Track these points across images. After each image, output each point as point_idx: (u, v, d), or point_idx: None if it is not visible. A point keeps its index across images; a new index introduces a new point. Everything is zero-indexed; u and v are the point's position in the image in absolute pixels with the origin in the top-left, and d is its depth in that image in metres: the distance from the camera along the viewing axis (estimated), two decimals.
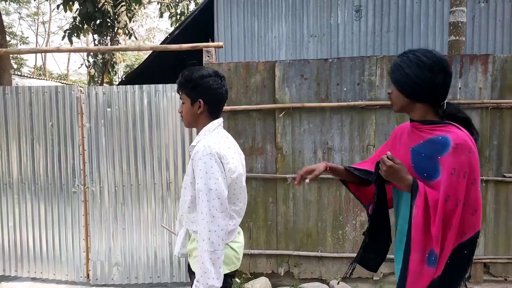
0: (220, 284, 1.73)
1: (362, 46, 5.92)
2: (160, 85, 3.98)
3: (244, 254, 3.92)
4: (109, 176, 4.10)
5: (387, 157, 1.62)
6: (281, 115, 3.80)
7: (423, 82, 1.57)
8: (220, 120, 1.92)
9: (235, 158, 1.86)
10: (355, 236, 3.83)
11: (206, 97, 1.85)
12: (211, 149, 1.74)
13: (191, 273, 1.92)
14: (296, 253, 3.87)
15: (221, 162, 1.75)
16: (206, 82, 1.83)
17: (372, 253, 1.92)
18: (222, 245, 1.73)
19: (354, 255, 3.81)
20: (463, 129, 1.58)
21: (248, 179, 3.88)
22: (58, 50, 4.52)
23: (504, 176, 3.66)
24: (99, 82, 13.70)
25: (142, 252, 4.07)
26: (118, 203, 4.12)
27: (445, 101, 1.64)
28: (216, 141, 1.79)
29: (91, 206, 4.11)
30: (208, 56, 3.91)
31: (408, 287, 1.57)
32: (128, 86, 4.07)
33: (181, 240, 1.99)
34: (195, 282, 1.74)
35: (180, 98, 1.90)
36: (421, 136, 1.64)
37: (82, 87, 4.24)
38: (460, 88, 3.67)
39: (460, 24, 4.18)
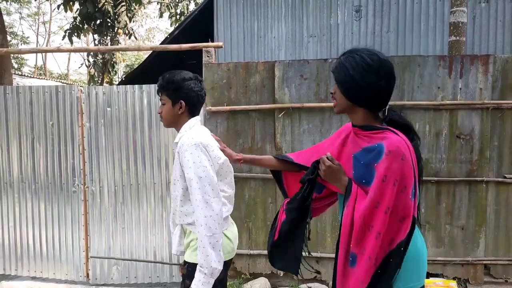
0: (221, 267, 1.81)
1: (362, 46, 5.90)
2: None
3: (243, 255, 3.92)
4: (109, 176, 4.09)
5: (327, 158, 1.65)
6: (280, 115, 3.79)
7: (368, 86, 1.53)
8: (198, 118, 2.04)
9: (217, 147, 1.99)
10: None
11: (187, 98, 1.96)
12: (195, 140, 1.84)
13: (184, 264, 1.97)
14: None
15: (207, 150, 1.86)
16: (188, 85, 1.95)
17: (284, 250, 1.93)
18: (220, 229, 1.81)
19: None
20: (400, 134, 1.55)
21: (247, 179, 3.88)
22: (58, 50, 4.53)
23: (505, 177, 3.65)
24: (99, 81, 13.71)
25: (141, 251, 4.07)
26: (118, 203, 4.12)
27: (387, 107, 1.61)
28: (198, 133, 1.91)
29: (91, 206, 4.11)
30: (207, 56, 3.91)
31: (337, 286, 1.62)
32: (128, 86, 4.07)
33: (177, 238, 2.03)
34: (198, 267, 1.79)
35: (160, 99, 2.01)
36: (360, 145, 1.63)
37: (82, 87, 4.24)
38: (460, 88, 3.67)
39: (460, 25, 4.18)
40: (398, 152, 1.48)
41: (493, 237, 3.74)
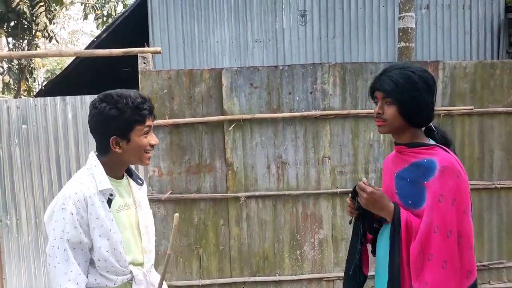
0: None
1: (309, 52, 5.77)
2: (87, 96, 3.43)
3: (194, 286, 3.49)
4: (28, 205, 3.45)
5: (364, 183, 1.51)
6: (230, 128, 3.44)
7: (427, 106, 1.48)
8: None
9: None
10: (314, 255, 3.58)
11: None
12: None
13: None
14: (252, 279, 3.52)
15: None
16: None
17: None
18: None
19: (314, 276, 3.57)
20: (450, 151, 1.48)
21: (196, 201, 3.47)
22: None
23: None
24: (15, 90, 12.27)
25: None
26: (40, 236, 3.48)
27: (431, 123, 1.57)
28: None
29: (6, 242, 3.43)
30: (144, 63, 3.43)
31: None
32: (48, 98, 3.46)
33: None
34: None
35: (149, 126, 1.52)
36: (406, 160, 1.51)
37: None
38: None
39: (409, 30, 4.15)
40: (453, 169, 1.38)
41: None
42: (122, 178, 1.57)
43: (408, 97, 1.44)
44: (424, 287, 1.34)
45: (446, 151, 1.46)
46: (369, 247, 1.72)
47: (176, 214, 1.60)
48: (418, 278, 1.36)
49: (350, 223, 1.69)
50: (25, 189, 3.44)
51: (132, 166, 1.66)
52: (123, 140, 1.44)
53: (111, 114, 1.40)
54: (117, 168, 1.52)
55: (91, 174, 1.45)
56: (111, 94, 1.44)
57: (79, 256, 1.38)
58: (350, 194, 1.63)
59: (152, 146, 1.51)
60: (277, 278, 3.53)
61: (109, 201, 1.45)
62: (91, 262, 1.43)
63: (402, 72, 1.47)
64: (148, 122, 1.48)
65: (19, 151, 3.40)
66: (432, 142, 1.51)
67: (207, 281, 3.50)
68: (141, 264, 1.56)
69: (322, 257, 3.58)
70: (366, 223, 1.61)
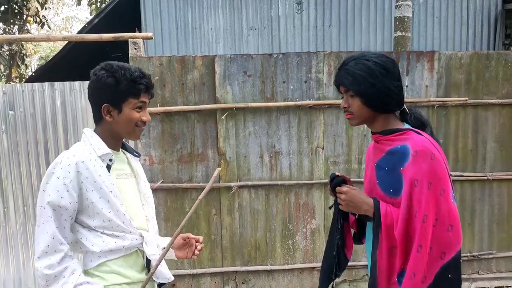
0: None
1: (304, 40, 5.68)
2: (77, 83, 3.35)
3: (185, 275, 3.47)
4: (15, 193, 3.39)
5: (337, 176, 1.55)
6: (223, 117, 3.38)
7: (389, 90, 1.44)
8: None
9: None
10: (306, 245, 3.56)
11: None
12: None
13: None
14: (243, 268, 3.50)
15: None
16: None
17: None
18: None
19: (306, 265, 3.56)
20: (424, 134, 1.44)
21: (187, 190, 3.43)
22: None
23: (450, 175, 3.62)
24: (6, 77, 12.05)
25: None
26: (29, 225, 3.43)
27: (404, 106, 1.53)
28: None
29: None
30: (135, 49, 3.35)
31: None
32: (36, 84, 3.37)
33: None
34: None
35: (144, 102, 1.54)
36: (382, 149, 1.50)
37: None
38: (407, 86, 3.55)
39: (406, 19, 4.09)
40: (426, 152, 1.35)
41: None
42: (119, 151, 1.59)
43: (367, 87, 1.42)
44: (407, 272, 1.37)
45: (420, 133, 1.42)
46: (352, 231, 1.71)
47: (218, 168, 1.59)
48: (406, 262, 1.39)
49: (330, 208, 1.68)
50: (13, 176, 3.36)
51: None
52: (115, 109, 1.45)
53: (107, 82, 1.42)
54: (110, 139, 1.51)
55: (88, 144, 1.46)
56: (112, 64, 1.46)
57: (58, 220, 1.38)
58: (329, 181, 1.61)
59: (144, 122, 1.51)
60: (269, 267, 3.52)
61: (108, 167, 1.46)
62: (97, 226, 1.43)
63: (357, 62, 1.45)
64: (143, 98, 1.48)
65: (6, 138, 3.32)
66: (406, 126, 1.49)
67: (199, 271, 3.47)
68: (147, 231, 1.57)
69: (314, 247, 3.56)
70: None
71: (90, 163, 1.41)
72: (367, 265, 1.69)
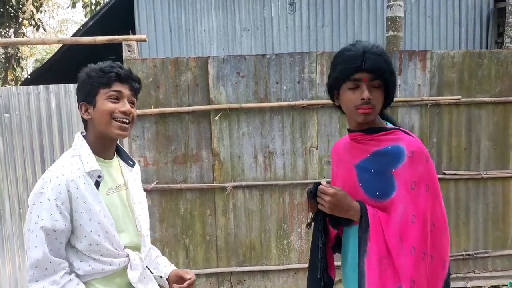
0: None
1: (298, 41, 5.71)
2: (72, 85, 3.36)
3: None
4: (11, 196, 3.39)
5: (324, 185, 1.35)
6: (217, 117, 3.39)
7: (395, 85, 1.38)
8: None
9: None
10: (301, 245, 3.58)
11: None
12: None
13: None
14: (239, 269, 3.52)
15: None
16: None
17: None
18: None
19: (301, 266, 3.57)
20: (412, 134, 1.37)
21: (182, 191, 3.44)
22: None
23: (445, 174, 3.65)
24: (2, 80, 12.04)
25: None
26: (24, 227, 3.42)
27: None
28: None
29: None
30: (129, 51, 3.37)
31: None
32: (31, 87, 3.38)
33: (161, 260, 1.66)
34: None
35: (134, 103, 1.47)
36: (365, 150, 1.38)
37: None
38: (399, 85, 3.57)
39: (398, 19, 4.11)
40: (422, 153, 1.29)
41: None
42: (112, 158, 1.49)
43: (393, 78, 1.33)
44: (411, 284, 1.25)
45: (409, 134, 1.35)
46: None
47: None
48: (404, 273, 1.26)
49: (308, 227, 1.51)
50: (9, 179, 3.37)
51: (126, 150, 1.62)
52: (90, 105, 1.38)
53: (81, 79, 1.41)
54: (100, 144, 1.42)
55: (77, 155, 1.38)
56: (90, 64, 1.44)
57: (52, 243, 1.30)
58: (306, 194, 1.43)
59: (123, 113, 1.38)
60: (264, 268, 3.53)
61: (97, 183, 1.37)
62: (83, 249, 1.35)
63: (380, 50, 1.32)
64: (117, 87, 1.38)
65: (1, 141, 3.33)
66: (390, 125, 1.41)
67: (194, 271, 3.47)
68: (138, 249, 1.49)
69: (309, 247, 3.56)
70: (328, 217, 1.43)
71: (80, 181, 1.33)
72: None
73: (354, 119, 1.38)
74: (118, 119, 1.38)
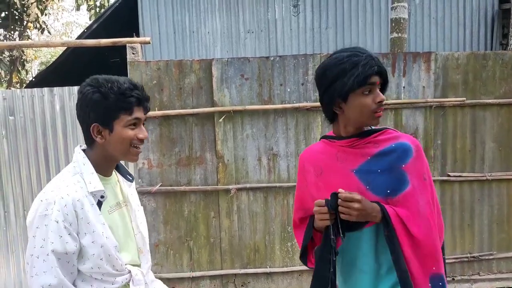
0: None
1: (302, 43, 5.71)
2: (76, 87, 3.36)
3: (185, 278, 3.48)
4: (16, 198, 3.40)
5: (345, 194, 1.31)
6: (221, 120, 3.40)
7: None
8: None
9: None
10: None
11: None
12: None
13: None
14: (243, 271, 3.51)
15: None
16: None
17: None
18: None
19: (305, 268, 3.54)
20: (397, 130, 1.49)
21: (186, 193, 3.45)
22: None
23: (449, 176, 3.63)
24: (7, 82, 12.12)
25: None
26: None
27: None
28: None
29: None
30: (133, 53, 3.38)
31: None
32: (35, 89, 3.40)
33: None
34: None
35: (145, 120, 1.39)
36: (365, 153, 1.39)
37: None
38: (404, 87, 3.56)
39: (402, 21, 4.10)
40: (421, 147, 1.41)
41: None
42: (111, 175, 1.43)
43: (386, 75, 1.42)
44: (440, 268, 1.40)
45: (397, 131, 1.46)
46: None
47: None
48: (439, 262, 1.40)
49: (341, 236, 1.39)
50: (13, 181, 3.39)
51: (123, 163, 1.55)
52: (106, 129, 1.29)
53: (93, 99, 1.26)
54: (104, 164, 1.36)
55: (79, 173, 1.30)
56: (98, 78, 1.29)
57: (65, 267, 1.23)
58: (329, 205, 1.33)
59: (141, 140, 1.33)
60: (268, 270, 3.52)
61: (99, 203, 1.31)
62: (86, 271, 1.29)
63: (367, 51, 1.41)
64: (137, 114, 1.31)
65: (6, 143, 3.35)
66: (373, 126, 1.44)
67: (198, 273, 3.48)
68: (139, 265, 1.46)
69: None
70: (342, 226, 1.36)
71: (84, 200, 1.26)
72: None
73: (368, 123, 1.39)
74: (135, 146, 1.34)
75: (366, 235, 1.41)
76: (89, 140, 1.33)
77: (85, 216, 1.25)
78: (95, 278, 1.30)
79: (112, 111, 1.27)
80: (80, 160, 1.32)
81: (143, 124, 1.37)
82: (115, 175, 1.46)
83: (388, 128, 1.45)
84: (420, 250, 1.34)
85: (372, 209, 1.33)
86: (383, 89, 1.41)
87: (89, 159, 1.32)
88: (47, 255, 1.20)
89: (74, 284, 1.29)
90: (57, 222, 1.20)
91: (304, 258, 1.57)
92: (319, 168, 1.48)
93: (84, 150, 1.35)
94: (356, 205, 1.29)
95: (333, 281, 1.40)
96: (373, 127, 1.44)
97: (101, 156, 1.34)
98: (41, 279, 1.20)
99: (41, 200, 1.23)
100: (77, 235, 1.25)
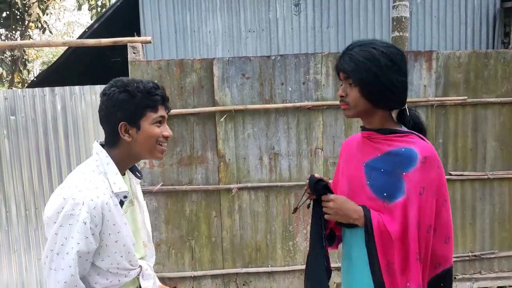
0: None
1: (303, 42, 5.71)
2: (77, 87, 3.37)
3: (186, 277, 3.48)
4: (17, 198, 3.41)
5: (312, 178, 1.40)
6: (222, 119, 3.40)
7: (392, 84, 1.31)
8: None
9: None
10: (306, 246, 3.57)
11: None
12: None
13: None
14: (244, 270, 3.51)
15: None
16: None
17: None
18: None
19: None
20: (426, 140, 1.37)
21: (187, 192, 3.45)
22: None
23: (451, 174, 3.63)
24: (9, 82, 12.14)
25: None
26: (31, 229, 3.45)
27: (406, 106, 1.42)
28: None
29: None
30: (134, 53, 3.38)
31: None
32: (37, 89, 3.41)
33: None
34: None
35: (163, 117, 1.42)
36: (378, 148, 1.38)
37: None
38: None
39: (403, 20, 4.09)
40: (435, 159, 1.31)
41: None
42: (125, 173, 1.45)
43: (369, 77, 1.30)
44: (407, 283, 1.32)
45: (423, 139, 1.36)
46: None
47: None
48: (405, 273, 1.32)
49: (294, 212, 1.59)
50: (15, 181, 3.39)
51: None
52: (133, 127, 1.31)
53: (120, 98, 1.28)
54: (127, 163, 1.39)
55: (103, 172, 1.31)
56: (122, 79, 1.33)
57: (82, 265, 1.27)
58: (310, 185, 1.44)
59: (166, 138, 1.36)
60: (269, 269, 3.52)
61: (121, 203, 1.33)
62: (103, 267, 1.33)
63: (362, 49, 1.33)
64: (161, 111, 1.34)
65: (7, 143, 3.35)
66: (404, 128, 1.39)
67: (200, 273, 3.49)
68: (145, 259, 1.51)
69: None
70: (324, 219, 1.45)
71: (110, 201, 1.28)
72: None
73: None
74: (161, 143, 1.36)
75: (361, 233, 1.41)
76: (114, 140, 1.34)
77: (112, 218, 1.27)
78: (111, 272, 1.34)
79: (139, 109, 1.30)
80: (103, 160, 1.32)
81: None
82: (127, 173, 1.48)
83: (413, 133, 1.36)
84: (395, 266, 1.32)
85: (354, 212, 1.34)
86: (353, 82, 1.35)
87: (111, 157, 1.34)
88: (67, 253, 1.22)
89: (90, 277, 1.32)
90: (85, 224, 1.22)
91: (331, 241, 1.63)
92: (346, 155, 1.54)
93: (107, 151, 1.36)
94: (330, 204, 1.37)
95: (326, 256, 1.46)
96: (399, 129, 1.39)
97: (125, 154, 1.35)
98: (58, 275, 1.23)
99: (64, 198, 1.23)
100: (99, 235, 1.27)
